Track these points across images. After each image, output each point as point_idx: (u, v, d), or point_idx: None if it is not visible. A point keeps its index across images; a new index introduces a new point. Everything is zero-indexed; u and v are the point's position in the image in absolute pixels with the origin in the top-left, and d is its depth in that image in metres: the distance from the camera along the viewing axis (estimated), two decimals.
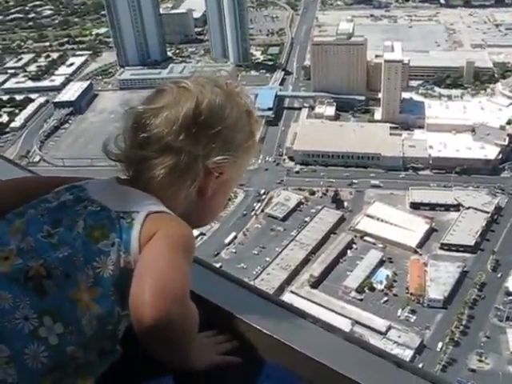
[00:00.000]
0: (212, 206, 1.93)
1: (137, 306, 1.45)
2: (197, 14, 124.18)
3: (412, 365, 1.83)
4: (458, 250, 63.22)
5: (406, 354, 51.24)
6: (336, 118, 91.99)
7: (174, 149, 1.73)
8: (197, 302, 1.95)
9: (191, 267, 1.64)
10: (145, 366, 1.63)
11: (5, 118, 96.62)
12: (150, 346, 1.52)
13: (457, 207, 70.31)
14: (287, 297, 57.85)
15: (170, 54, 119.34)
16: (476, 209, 69.07)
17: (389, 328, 54.19)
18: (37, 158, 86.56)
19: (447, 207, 70.63)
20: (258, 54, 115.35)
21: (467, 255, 62.78)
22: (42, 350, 1.44)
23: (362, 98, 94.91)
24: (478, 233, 65.12)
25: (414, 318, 56.28)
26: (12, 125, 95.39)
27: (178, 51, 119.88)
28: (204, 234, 68.57)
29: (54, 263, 1.52)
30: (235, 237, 68.40)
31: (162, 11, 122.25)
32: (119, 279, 1.57)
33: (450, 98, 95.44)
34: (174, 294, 1.47)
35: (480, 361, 51.44)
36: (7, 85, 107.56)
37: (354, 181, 76.56)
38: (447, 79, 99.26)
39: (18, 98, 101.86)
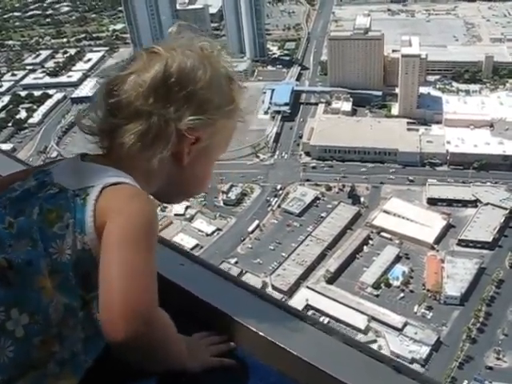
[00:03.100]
0: (192, 175, 1.83)
1: (108, 331, 1.41)
2: (213, 10, 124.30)
3: (412, 370, 1.76)
4: (475, 247, 62.66)
5: (423, 351, 51.06)
6: (353, 113, 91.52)
7: (144, 113, 1.66)
8: (193, 302, 1.93)
9: (157, 254, 1.55)
10: (128, 368, 1.58)
11: (23, 114, 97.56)
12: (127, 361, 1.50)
13: (474, 203, 69.66)
14: (303, 292, 57.93)
15: None
16: (494, 205, 68.35)
17: (405, 324, 53.94)
18: (54, 154, 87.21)
19: (465, 203, 70.03)
20: (274, 49, 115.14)
21: (485, 252, 62.20)
22: (8, 345, 1.40)
23: (379, 93, 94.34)
24: (496, 229, 64.48)
25: (431, 314, 55.97)
26: (30, 120, 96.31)
27: None
28: (220, 230, 68.88)
29: (14, 253, 1.49)
30: (258, 225, 68.73)
31: (178, 7, 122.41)
32: (78, 262, 1.53)
33: (468, 92, 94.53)
34: (142, 313, 1.42)
35: (498, 358, 50.96)
36: (25, 81, 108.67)
37: (409, 177, 75.49)
38: (465, 74, 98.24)
39: (36, 93, 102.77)
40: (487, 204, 68.72)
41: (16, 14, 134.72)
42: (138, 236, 1.51)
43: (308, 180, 76.50)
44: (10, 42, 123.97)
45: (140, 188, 1.64)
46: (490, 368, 50.24)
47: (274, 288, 58.37)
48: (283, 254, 63.65)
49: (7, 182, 1.76)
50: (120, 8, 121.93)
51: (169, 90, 1.68)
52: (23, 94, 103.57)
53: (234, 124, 1.87)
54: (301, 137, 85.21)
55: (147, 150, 1.67)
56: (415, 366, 48.75)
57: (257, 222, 69.30)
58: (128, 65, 1.75)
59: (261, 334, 1.80)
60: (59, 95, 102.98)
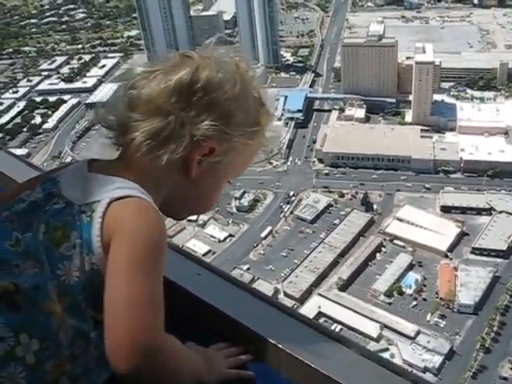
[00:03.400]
0: (198, 190, 1.76)
1: (112, 361, 1.39)
2: (227, 16, 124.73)
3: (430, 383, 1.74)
4: (489, 255, 62.11)
5: (436, 360, 50.61)
6: (366, 120, 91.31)
7: (163, 112, 1.62)
8: (211, 313, 1.92)
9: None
10: None
11: (38, 120, 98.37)
12: None
13: (489, 211, 69.11)
14: (315, 299, 57.70)
15: None
16: (508, 213, 67.80)
17: (418, 333, 53.49)
18: (69, 159, 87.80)
19: (479, 211, 69.48)
20: (288, 56, 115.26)
21: (499, 260, 61.61)
22: (19, 371, 1.37)
23: (393, 100, 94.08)
24: (511, 237, 63.92)
25: (444, 323, 55.50)
26: (45, 126, 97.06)
27: None
28: (233, 236, 68.88)
29: (21, 276, 1.45)
30: (270, 232, 68.69)
31: (192, 13, 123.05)
32: (87, 283, 1.49)
33: (482, 100, 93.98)
34: (146, 345, 1.39)
35: None
36: (41, 86, 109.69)
37: (426, 185, 74.91)
38: (480, 81, 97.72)
39: (51, 99, 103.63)
40: (501, 212, 68.18)
41: (32, 20, 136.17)
42: (143, 259, 1.46)
43: (326, 187, 76.28)
44: (26, 48, 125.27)
45: (148, 198, 1.58)
46: (505, 378, 49.63)
47: (286, 295, 58.22)
48: (295, 261, 63.50)
49: (22, 189, 1.70)
50: (134, 15, 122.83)
51: (192, 94, 1.64)
52: (38, 99, 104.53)
53: (254, 148, 1.81)
54: (314, 142, 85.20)
55: (157, 150, 1.61)
56: (428, 375, 48.40)
57: (269, 228, 69.29)
58: (158, 63, 1.74)
59: (279, 346, 1.79)
60: (74, 101, 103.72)
